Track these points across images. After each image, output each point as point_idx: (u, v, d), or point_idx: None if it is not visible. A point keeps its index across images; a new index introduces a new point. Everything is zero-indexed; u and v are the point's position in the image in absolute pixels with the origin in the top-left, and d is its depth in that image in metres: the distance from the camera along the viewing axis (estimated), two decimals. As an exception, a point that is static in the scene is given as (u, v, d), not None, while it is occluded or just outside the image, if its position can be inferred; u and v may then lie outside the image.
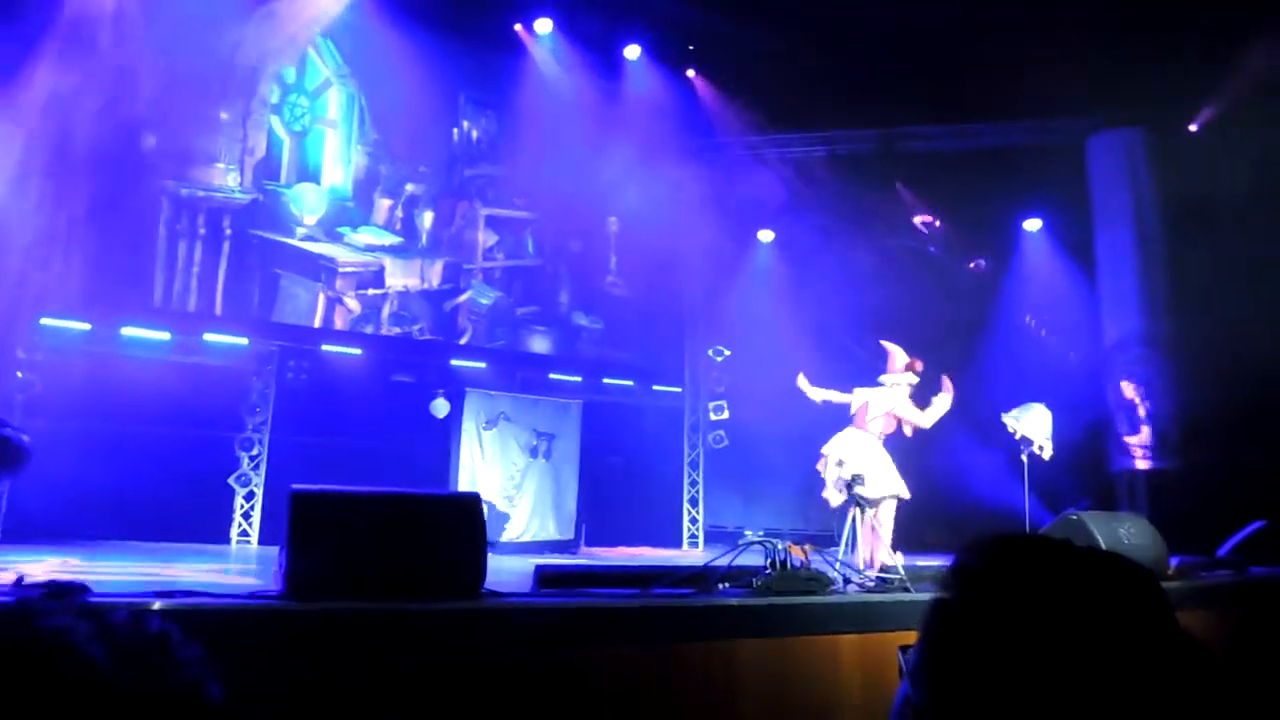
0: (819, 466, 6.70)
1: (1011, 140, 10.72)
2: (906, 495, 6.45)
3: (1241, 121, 8.98)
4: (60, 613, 0.59)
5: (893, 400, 6.64)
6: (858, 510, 5.75)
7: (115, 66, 7.98)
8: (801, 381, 6.98)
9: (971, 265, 11.29)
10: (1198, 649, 0.73)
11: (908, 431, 6.71)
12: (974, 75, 9.45)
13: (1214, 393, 8.78)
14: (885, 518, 6.33)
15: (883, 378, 6.84)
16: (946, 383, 6.70)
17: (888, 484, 6.37)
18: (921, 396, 6.81)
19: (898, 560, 5.43)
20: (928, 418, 6.64)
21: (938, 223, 11.29)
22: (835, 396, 6.88)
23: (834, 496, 6.50)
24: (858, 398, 6.77)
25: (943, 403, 6.63)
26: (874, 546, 5.95)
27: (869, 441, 6.53)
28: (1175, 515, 7.23)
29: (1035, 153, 10.56)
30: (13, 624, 0.57)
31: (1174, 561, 5.37)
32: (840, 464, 6.38)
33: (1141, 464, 9.72)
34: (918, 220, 11.24)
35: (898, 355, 6.91)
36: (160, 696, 0.57)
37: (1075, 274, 10.63)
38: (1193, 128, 10.06)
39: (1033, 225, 11.24)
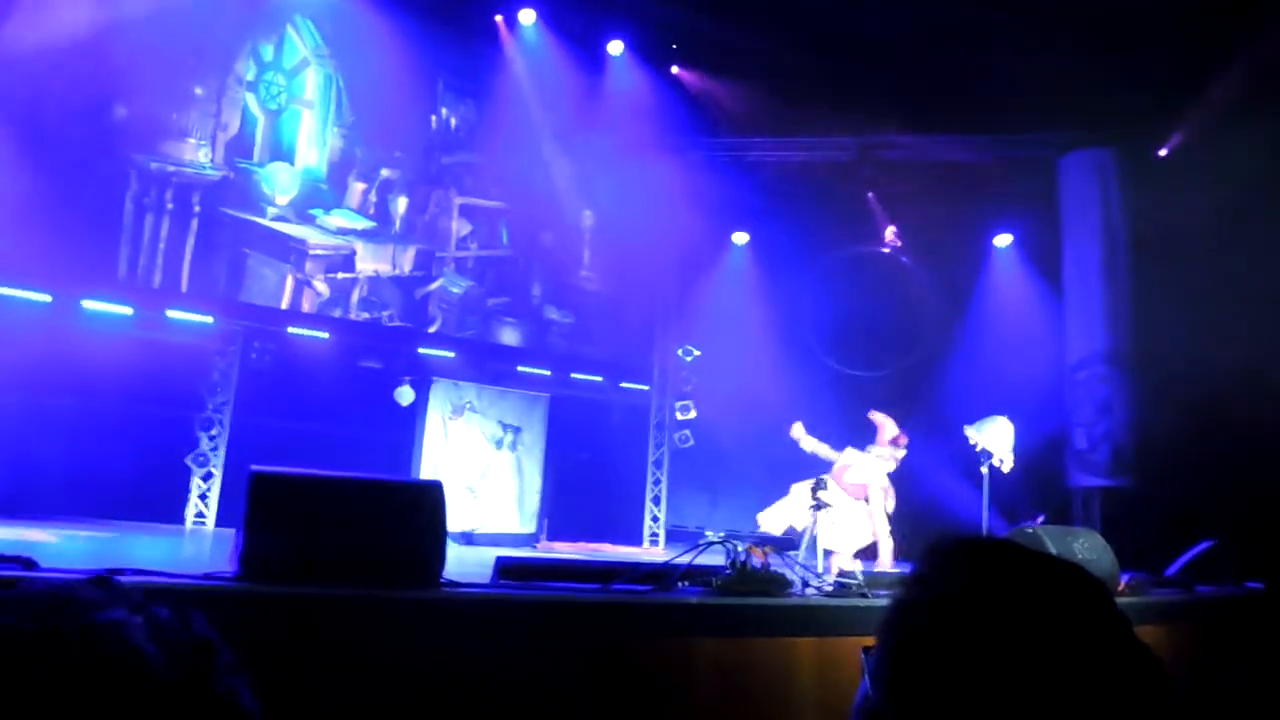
0: (780, 503, 6.88)
1: (986, 155, 10.85)
2: (869, 541, 6.71)
3: (1210, 148, 9.16)
4: (114, 605, 0.59)
5: (873, 474, 6.89)
6: (819, 515, 5.80)
7: (86, 33, 7.83)
8: (797, 430, 7.15)
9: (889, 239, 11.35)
10: (1150, 657, 0.74)
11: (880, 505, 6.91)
12: (952, 88, 9.56)
13: (1171, 414, 8.94)
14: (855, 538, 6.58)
15: (870, 448, 7.06)
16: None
17: (860, 536, 6.64)
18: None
19: (856, 567, 5.52)
20: (882, 529, 6.81)
21: (899, 242, 11.41)
22: (824, 451, 7.10)
23: (773, 525, 6.70)
24: (845, 457, 6.98)
25: (885, 554, 6.82)
26: (835, 553, 6.08)
27: (841, 495, 6.73)
28: (1128, 532, 7.35)
29: (1008, 168, 10.71)
30: (71, 614, 0.57)
31: (1125, 578, 5.45)
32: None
33: (1097, 481, 9.87)
34: (888, 234, 11.35)
35: (887, 428, 7.19)
36: (206, 698, 0.58)
37: (1042, 290, 10.78)
38: (1162, 152, 10.24)
39: (1003, 240, 11.39)
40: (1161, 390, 9.13)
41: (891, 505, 7.05)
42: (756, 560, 4.18)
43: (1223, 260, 8.53)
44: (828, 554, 6.29)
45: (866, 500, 6.98)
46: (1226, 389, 8.12)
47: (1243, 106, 8.73)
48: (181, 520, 8.32)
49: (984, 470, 7.35)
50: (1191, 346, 8.48)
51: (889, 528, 6.95)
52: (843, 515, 6.69)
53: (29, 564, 2.88)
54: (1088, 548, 5.35)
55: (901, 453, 7.14)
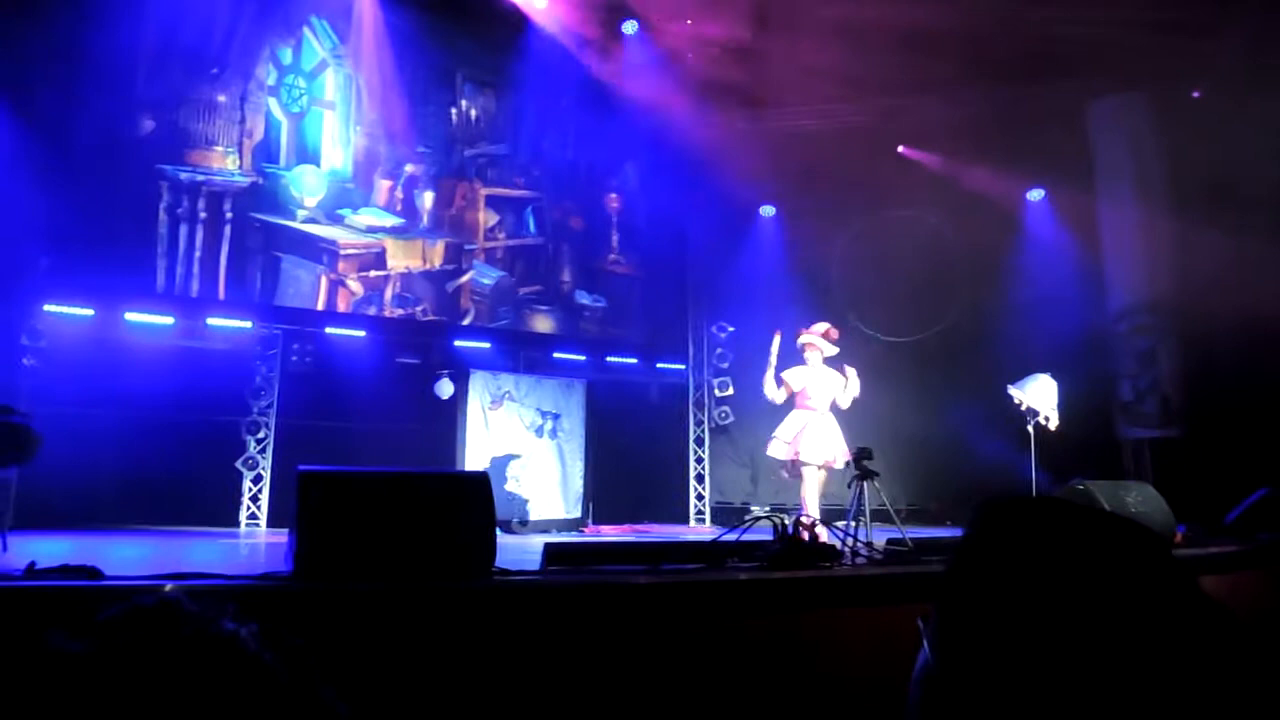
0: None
1: (1012, 108, 10.64)
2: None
3: (1246, 84, 8.90)
4: (220, 617, 0.60)
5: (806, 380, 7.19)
6: (865, 483, 5.77)
7: (109, 49, 7.94)
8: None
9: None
10: (1217, 607, 0.73)
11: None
12: (973, 42, 9.37)
13: (1219, 359, 8.76)
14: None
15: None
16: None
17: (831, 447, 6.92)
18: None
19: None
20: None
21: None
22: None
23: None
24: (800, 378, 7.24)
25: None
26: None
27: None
28: (1182, 483, 7.23)
29: (1036, 121, 10.49)
30: (190, 628, 0.58)
31: (1181, 529, 5.38)
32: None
33: (1147, 432, 9.72)
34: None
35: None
36: (317, 703, 0.59)
37: (1078, 242, 10.59)
38: (1195, 94, 9.97)
39: (1035, 195, 11.19)
40: (1208, 337, 8.93)
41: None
42: (805, 532, 4.18)
43: (1267, 199, 8.31)
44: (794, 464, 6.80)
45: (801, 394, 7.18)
46: (1275, 331, 7.93)
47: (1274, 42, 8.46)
48: (236, 523, 8.50)
49: (1029, 429, 7.27)
50: (1237, 290, 8.28)
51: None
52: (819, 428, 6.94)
53: (95, 574, 2.95)
54: (1141, 500, 5.29)
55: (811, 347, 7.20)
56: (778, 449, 7.04)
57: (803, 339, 7.20)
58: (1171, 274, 9.77)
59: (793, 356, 7.28)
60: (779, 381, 7.19)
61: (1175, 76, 9.86)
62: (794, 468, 6.96)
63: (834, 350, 7.16)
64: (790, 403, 7.18)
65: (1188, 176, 9.28)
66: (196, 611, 0.60)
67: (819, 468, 6.85)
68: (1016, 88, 10.38)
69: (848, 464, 6.22)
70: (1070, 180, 10.56)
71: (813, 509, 6.57)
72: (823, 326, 7.21)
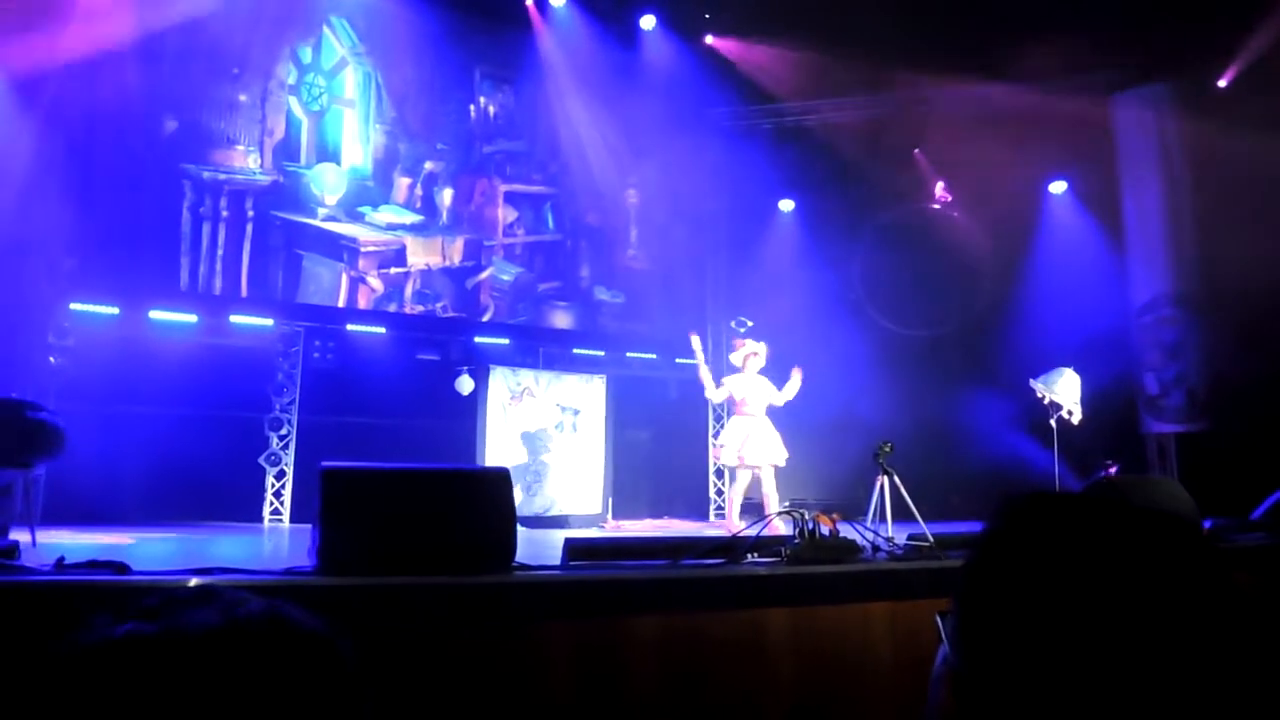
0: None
1: (1033, 100, 10.53)
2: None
3: (1274, 74, 8.77)
4: (253, 599, 0.62)
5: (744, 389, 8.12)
6: (885, 479, 5.74)
7: (130, 50, 8.02)
8: (696, 343, 8.47)
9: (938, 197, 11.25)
10: (1248, 602, 0.72)
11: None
12: (995, 35, 9.29)
13: (1246, 353, 8.65)
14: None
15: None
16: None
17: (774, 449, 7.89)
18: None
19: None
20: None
21: (949, 196, 11.18)
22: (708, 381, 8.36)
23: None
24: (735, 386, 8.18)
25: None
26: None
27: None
28: (1207, 478, 7.15)
29: (1059, 113, 10.38)
30: (243, 608, 0.60)
31: (1206, 525, 5.31)
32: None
33: (1172, 427, 9.61)
34: (937, 189, 11.14)
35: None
36: (356, 676, 0.63)
37: (1102, 235, 10.48)
38: (1222, 83, 9.84)
39: (1058, 187, 11.08)
40: (1235, 330, 8.82)
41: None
42: (824, 527, 4.16)
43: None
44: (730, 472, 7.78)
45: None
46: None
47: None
48: (259, 518, 8.57)
49: (1053, 423, 7.22)
50: (1263, 283, 8.17)
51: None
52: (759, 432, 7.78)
53: (122, 568, 2.99)
54: (1166, 495, 5.22)
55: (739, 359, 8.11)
56: (728, 456, 7.91)
57: (745, 349, 8.07)
58: (1197, 266, 9.66)
59: (727, 364, 8.22)
60: (718, 383, 8.18)
61: (1201, 66, 9.73)
62: (733, 471, 7.92)
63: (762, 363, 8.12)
64: (730, 410, 8.11)
65: (1213, 167, 9.17)
66: (235, 596, 0.61)
67: (765, 468, 7.75)
68: (1038, 81, 10.28)
69: (876, 457, 6.15)
70: (1094, 172, 10.46)
71: (736, 508, 7.88)
72: (759, 344, 8.15)
